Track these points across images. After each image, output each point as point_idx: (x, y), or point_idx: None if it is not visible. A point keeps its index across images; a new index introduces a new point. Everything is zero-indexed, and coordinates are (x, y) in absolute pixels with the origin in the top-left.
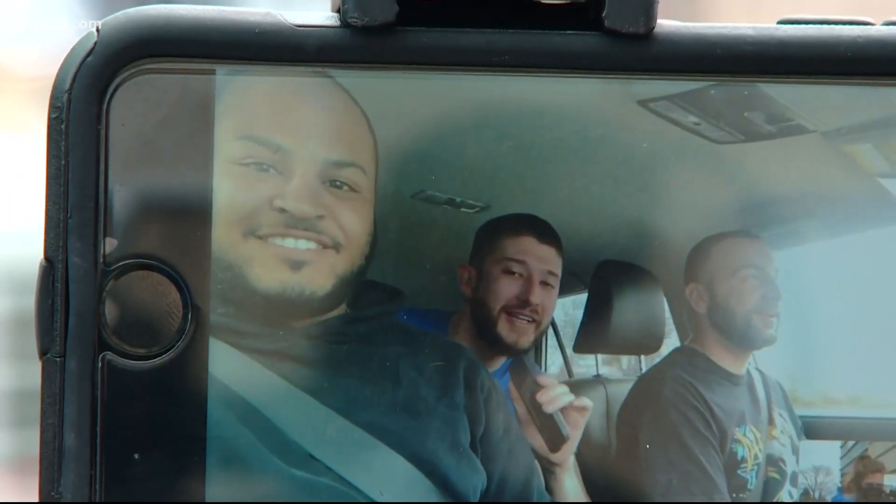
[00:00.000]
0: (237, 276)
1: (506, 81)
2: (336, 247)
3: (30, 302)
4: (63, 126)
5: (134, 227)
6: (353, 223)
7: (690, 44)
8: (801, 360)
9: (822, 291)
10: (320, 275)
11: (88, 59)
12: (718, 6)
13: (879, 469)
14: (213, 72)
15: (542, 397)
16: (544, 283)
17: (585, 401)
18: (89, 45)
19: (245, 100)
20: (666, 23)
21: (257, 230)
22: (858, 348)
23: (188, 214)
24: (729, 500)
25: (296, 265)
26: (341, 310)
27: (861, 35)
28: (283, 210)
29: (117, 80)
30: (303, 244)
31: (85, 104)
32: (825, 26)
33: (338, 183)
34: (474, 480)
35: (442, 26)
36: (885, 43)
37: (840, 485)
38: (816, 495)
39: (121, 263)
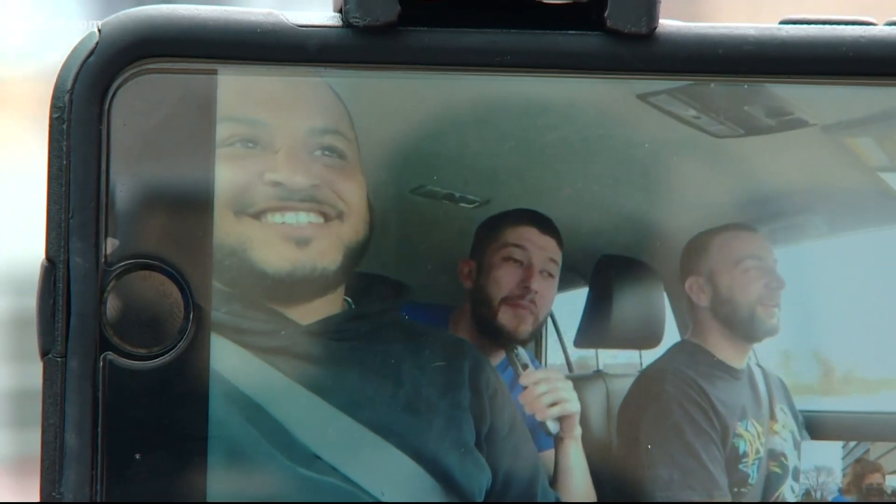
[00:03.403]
0: (242, 263)
1: (507, 81)
2: (340, 216)
3: (31, 302)
4: (65, 126)
5: (135, 227)
6: (349, 190)
7: (692, 44)
8: (801, 352)
9: (822, 285)
10: (329, 249)
11: (90, 59)
12: (720, 6)
13: (880, 469)
14: (214, 72)
15: (523, 399)
16: (544, 272)
17: (568, 408)
18: (91, 45)
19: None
20: (668, 23)
21: (252, 209)
22: (858, 340)
23: (190, 214)
24: (729, 497)
25: (302, 241)
26: (345, 306)
27: (863, 35)
28: (277, 183)
29: (119, 81)
30: (303, 217)
31: (86, 104)
32: (827, 26)
33: (323, 151)
34: (480, 479)
35: (444, 26)
36: (887, 43)
37: (841, 485)
38: (818, 495)
39: (122, 263)
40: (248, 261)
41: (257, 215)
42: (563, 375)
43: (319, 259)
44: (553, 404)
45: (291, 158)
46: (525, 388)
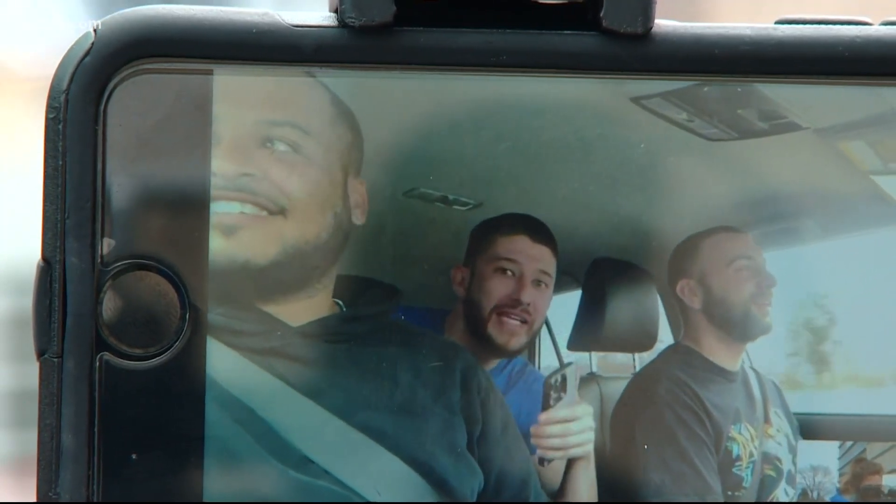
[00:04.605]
0: (232, 263)
1: (503, 81)
2: (281, 212)
3: (29, 302)
4: (60, 126)
5: (131, 227)
6: (295, 186)
7: (688, 44)
8: (795, 354)
9: (816, 288)
10: (259, 241)
11: (86, 59)
12: (719, 6)
13: (877, 470)
14: (210, 72)
15: (533, 430)
16: (537, 283)
17: (573, 453)
18: (87, 45)
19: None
20: (664, 23)
21: (203, 202)
22: (853, 342)
23: (186, 214)
24: (722, 501)
25: (227, 230)
26: (336, 307)
27: (859, 35)
28: (213, 173)
29: (115, 81)
30: (236, 207)
31: (82, 104)
32: (823, 26)
33: (274, 144)
34: (472, 482)
35: (439, 26)
36: (884, 43)
37: (838, 485)
38: (814, 495)
39: (118, 264)
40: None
41: (203, 206)
42: (588, 412)
43: (241, 250)
44: (559, 449)
45: (230, 148)
46: (539, 423)
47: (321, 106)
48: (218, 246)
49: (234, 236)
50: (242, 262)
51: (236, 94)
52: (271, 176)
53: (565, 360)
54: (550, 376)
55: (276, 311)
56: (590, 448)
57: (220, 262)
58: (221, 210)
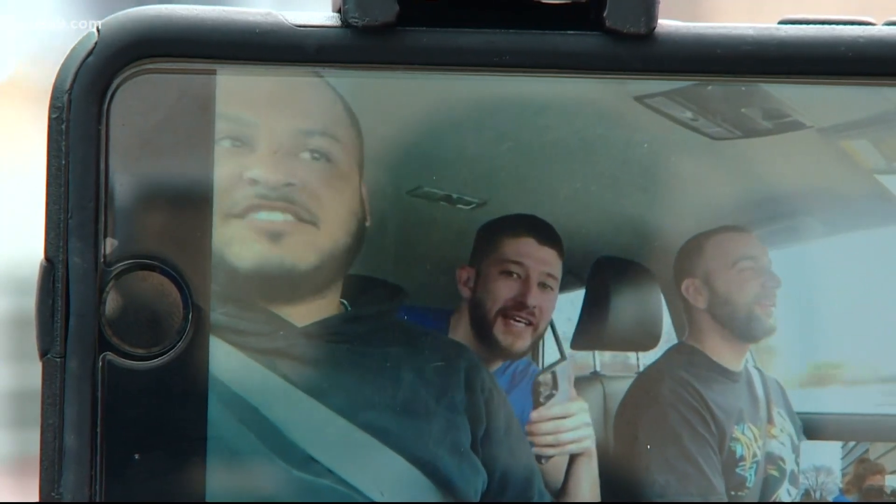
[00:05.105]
0: (225, 263)
1: (506, 81)
2: (314, 221)
3: (31, 302)
4: (63, 126)
5: (134, 227)
6: (328, 196)
7: (691, 44)
8: (799, 354)
9: (819, 287)
10: (300, 248)
11: (89, 59)
12: (721, 6)
13: (880, 470)
14: (213, 72)
15: (528, 428)
16: (542, 285)
17: (570, 449)
18: (90, 45)
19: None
20: (667, 23)
21: (237, 207)
22: (855, 341)
23: (189, 214)
24: (726, 501)
25: (273, 236)
26: (341, 308)
27: (862, 35)
28: (254, 181)
29: (118, 80)
30: (278, 216)
31: (85, 104)
32: (826, 26)
33: (309, 153)
34: (475, 481)
35: (442, 26)
36: (886, 43)
37: (840, 485)
38: (817, 495)
39: (121, 264)
40: (231, 259)
41: (241, 214)
42: (583, 408)
43: (288, 255)
44: (552, 446)
45: (271, 157)
46: (532, 421)
47: (326, 106)
48: (220, 246)
49: (237, 236)
50: (248, 263)
51: (239, 94)
52: (275, 177)
53: (558, 358)
54: (539, 374)
55: (284, 312)
56: (588, 444)
57: (223, 262)
58: (224, 210)
